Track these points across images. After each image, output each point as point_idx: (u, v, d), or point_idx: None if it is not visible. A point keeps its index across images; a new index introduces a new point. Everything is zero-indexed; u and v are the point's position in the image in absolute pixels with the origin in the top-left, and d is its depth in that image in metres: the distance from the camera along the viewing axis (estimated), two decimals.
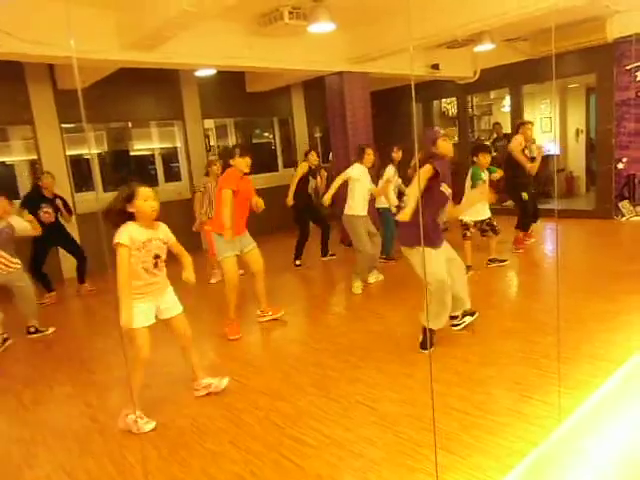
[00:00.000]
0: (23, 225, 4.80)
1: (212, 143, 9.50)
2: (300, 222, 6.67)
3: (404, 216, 3.35)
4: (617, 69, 7.57)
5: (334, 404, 3.04)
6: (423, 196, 3.44)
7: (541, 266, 6.07)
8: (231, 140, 9.82)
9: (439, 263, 3.56)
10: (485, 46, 7.32)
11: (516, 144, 6.12)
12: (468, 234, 5.60)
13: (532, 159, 6.24)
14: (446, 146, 3.61)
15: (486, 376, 3.22)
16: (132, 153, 8.83)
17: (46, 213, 5.73)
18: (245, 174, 4.39)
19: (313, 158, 6.64)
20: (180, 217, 8.38)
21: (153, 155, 8.79)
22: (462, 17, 5.78)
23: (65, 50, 4.49)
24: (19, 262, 4.76)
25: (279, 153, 10.47)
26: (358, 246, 5.27)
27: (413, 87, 1.72)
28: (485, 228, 5.67)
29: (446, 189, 3.58)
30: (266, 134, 10.73)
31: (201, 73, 7.76)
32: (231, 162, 4.40)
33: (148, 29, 4.82)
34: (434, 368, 3.28)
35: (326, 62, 7.10)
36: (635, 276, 4.91)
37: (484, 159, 5.47)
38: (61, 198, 6.15)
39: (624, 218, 7.84)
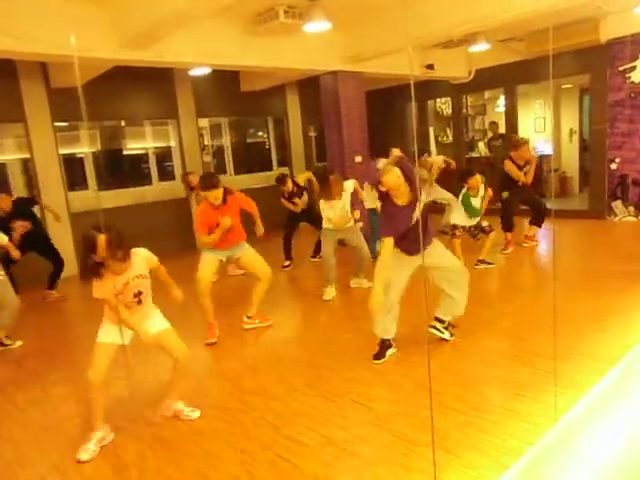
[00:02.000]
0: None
1: (206, 142, 9.47)
2: (287, 222, 6.70)
3: None
4: (610, 70, 7.61)
5: (329, 404, 3.04)
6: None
7: (535, 265, 6.10)
8: (225, 139, 9.79)
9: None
10: (480, 46, 7.33)
11: (511, 168, 6.25)
12: (457, 233, 5.69)
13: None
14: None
15: (480, 375, 3.24)
16: (125, 152, 8.79)
17: (20, 226, 5.54)
18: (228, 195, 4.22)
19: (286, 187, 6.48)
20: (173, 216, 8.40)
21: (147, 154, 8.75)
22: (458, 17, 5.78)
23: (60, 48, 4.47)
24: (2, 272, 4.42)
25: (273, 152, 10.45)
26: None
27: (412, 87, 1.72)
28: (475, 233, 5.75)
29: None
30: (260, 133, 10.71)
31: (195, 72, 7.73)
32: (201, 195, 4.35)
33: (143, 27, 4.79)
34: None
35: (321, 61, 7.10)
36: (628, 276, 4.94)
37: (475, 182, 5.55)
38: (25, 200, 6.08)
39: (617, 218, 7.89)
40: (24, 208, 5.86)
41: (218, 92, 8.94)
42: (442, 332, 3.75)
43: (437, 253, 3.59)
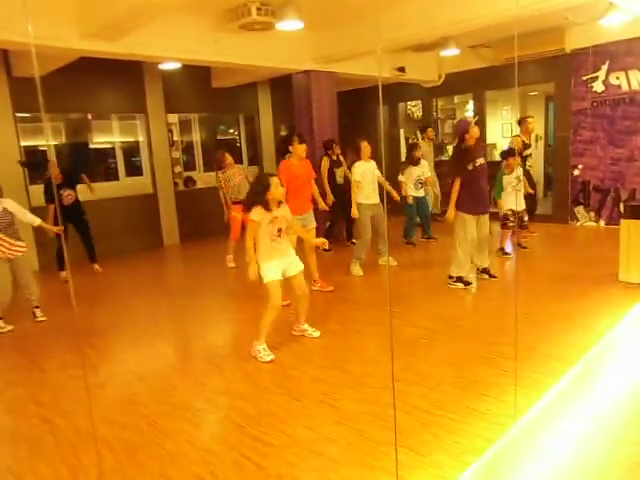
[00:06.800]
0: (23, 212, 4.78)
1: (175, 138, 9.32)
2: (334, 214, 7.15)
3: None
4: (574, 79, 7.84)
5: (296, 403, 3.03)
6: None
7: (498, 268, 6.21)
8: (195, 135, 9.66)
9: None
10: (450, 51, 7.44)
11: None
12: (509, 224, 6.04)
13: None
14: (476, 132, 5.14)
15: (445, 375, 3.28)
16: (92, 146, 8.56)
17: (69, 195, 6.29)
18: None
19: (337, 150, 7.08)
20: (140, 212, 8.24)
21: (114, 148, 8.55)
22: (429, 21, 5.86)
23: (21, 35, 4.31)
24: (24, 245, 4.73)
25: (244, 150, 10.36)
26: (359, 232, 5.90)
27: (380, 88, 1.72)
28: (513, 220, 6.07)
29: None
30: (231, 130, 10.61)
31: (165, 66, 7.60)
32: (290, 149, 4.90)
33: (111, 18, 4.67)
34: (395, 367, 3.31)
35: (294, 60, 7.08)
36: (588, 279, 5.10)
37: (514, 162, 5.93)
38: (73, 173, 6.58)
39: (579, 223, 8.14)
40: (71, 179, 6.44)
41: (188, 87, 8.82)
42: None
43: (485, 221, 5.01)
